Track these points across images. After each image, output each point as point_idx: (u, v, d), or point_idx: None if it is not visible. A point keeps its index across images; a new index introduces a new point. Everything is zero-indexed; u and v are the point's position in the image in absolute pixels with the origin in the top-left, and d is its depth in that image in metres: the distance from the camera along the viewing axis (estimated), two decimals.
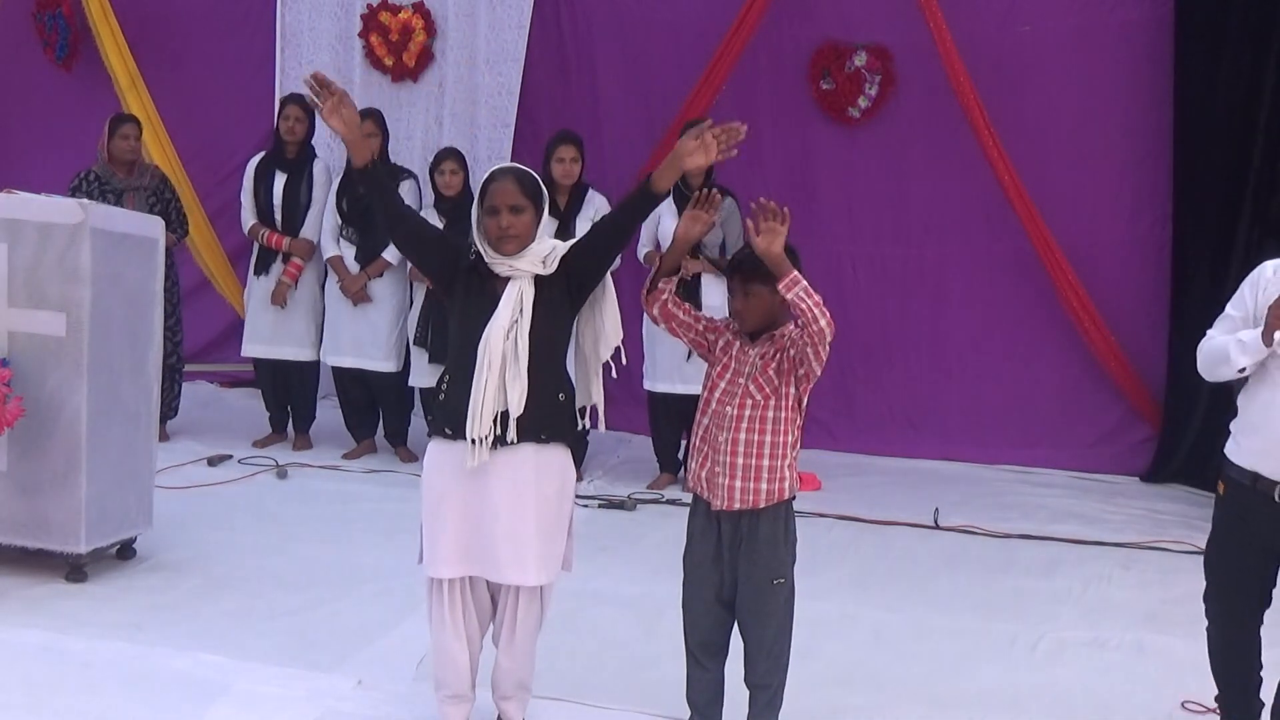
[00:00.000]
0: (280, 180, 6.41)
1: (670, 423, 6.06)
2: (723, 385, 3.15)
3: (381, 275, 6.30)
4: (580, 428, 3.36)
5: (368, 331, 6.34)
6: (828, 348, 3.03)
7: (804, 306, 2.96)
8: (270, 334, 6.49)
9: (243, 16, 7.65)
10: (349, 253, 6.31)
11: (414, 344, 6.21)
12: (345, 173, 6.07)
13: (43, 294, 4.30)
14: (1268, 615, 3.25)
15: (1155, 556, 5.31)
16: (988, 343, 6.91)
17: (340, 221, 6.31)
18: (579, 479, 3.93)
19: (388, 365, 6.37)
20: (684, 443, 5.84)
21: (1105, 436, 6.79)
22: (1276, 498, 3.03)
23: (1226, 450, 3.19)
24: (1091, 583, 4.93)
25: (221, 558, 4.78)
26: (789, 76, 6.92)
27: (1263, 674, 3.27)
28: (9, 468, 4.38)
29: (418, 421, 6.51)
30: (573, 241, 3.27)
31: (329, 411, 6.76)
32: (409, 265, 6.12)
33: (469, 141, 6.98)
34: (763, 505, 3.11)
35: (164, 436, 6.10)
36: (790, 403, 3.12)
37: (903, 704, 3.74)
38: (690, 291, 5.64)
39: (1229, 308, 3.20)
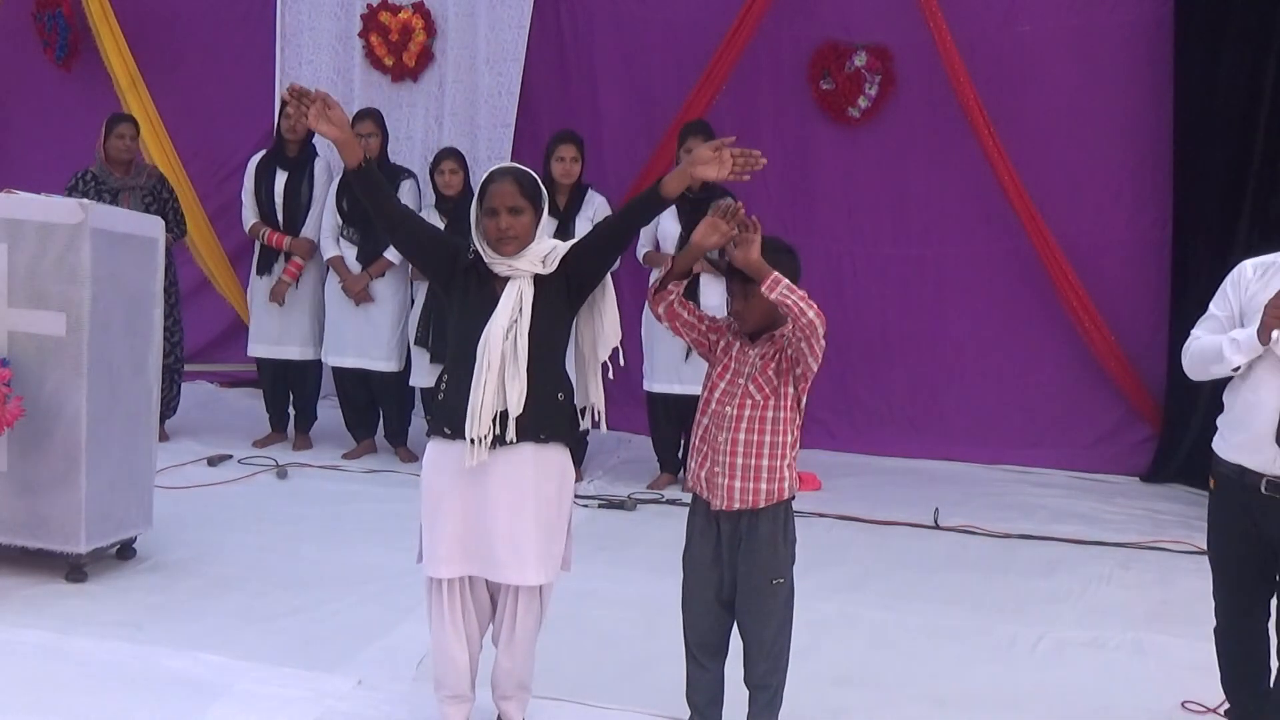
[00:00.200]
0: (281, 179, 6.42)
1: (670, 423, 6.07)
2: (722, 385, 3.16)
3: (383, 275, 6.31)
4: (583, 428, 3.36)
5: (369, 331, 6.35)
6: (822, 341, 3.03)
7: (789, 303, 2.97)
8: (276, 334, 6.50)
9: (242, 17, 7.65)
10: (350, 253, 6.31)
11: (415, 344, 6.22)
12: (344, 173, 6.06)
13: (43, 294, 4.30)
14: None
15: (1155, 556, 5.31)
16: (988, 343, 6.91)
17: (341, 221, 6.32)
18: (579, 479, 3.94)
19: (389, 365, 6.37)
20: (684, 443, 5.85)
21: (1105, 436, 6.80)
22: (1263, 490, 3.06)
23: (1214, 445, 3.23)
24: (1091, 583, 4.92)
25: (221, 558, 4.78)
26: (789, 76, 6.93)
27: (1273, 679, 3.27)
28: (9, 468, 4.38)
29: (418, 421, 6.50)
30: (573, 242, 3.27)
31: (329, 411, 6.76)
32: (410, 265, 6.12)
33: (469, 141, 6.98)
34: (762, 505, 3.12)
35: (164, 436, 6.10)
36: (790, 403, 3.12)
37: (903, 704, 3.73)
38: (690, 291, 5.61)
39: (1212, 307, 3.22)
